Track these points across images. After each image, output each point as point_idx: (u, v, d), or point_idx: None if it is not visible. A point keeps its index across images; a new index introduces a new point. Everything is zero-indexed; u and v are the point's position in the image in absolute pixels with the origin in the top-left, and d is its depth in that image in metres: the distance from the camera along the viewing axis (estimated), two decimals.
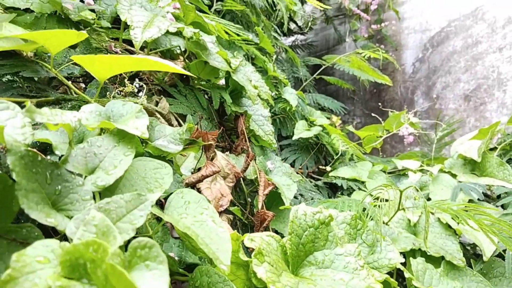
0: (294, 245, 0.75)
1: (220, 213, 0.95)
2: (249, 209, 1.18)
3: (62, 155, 0.60)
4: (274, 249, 0.73)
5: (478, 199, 1.40)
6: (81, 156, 0.58)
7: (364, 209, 1.21)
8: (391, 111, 1.82)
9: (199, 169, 0.95)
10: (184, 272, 0.70)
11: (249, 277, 0.73)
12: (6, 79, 0.82)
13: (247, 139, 1.19)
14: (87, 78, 1.03)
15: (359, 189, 1.60)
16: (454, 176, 1.57)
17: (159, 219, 0.81)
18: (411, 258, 1.11)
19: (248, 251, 0.95)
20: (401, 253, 1.19)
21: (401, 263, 1.15)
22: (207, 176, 0.85)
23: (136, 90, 1.00)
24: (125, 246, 0.48)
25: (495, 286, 1.19)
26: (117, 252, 0.42)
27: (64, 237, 0.53)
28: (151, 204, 0.52)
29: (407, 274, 1.04)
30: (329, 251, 0.76)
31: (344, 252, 0.76)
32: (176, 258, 0.74)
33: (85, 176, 0.57)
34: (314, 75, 2.44)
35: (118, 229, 0.50)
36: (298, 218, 0.77)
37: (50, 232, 0.63)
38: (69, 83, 0.80)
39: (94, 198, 0.55)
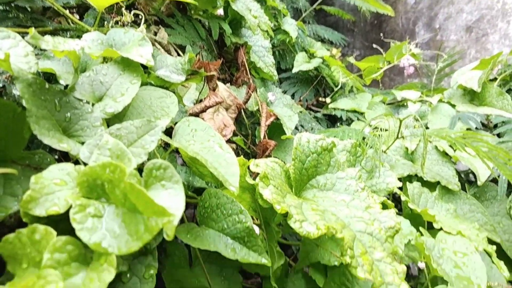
0: (297, 170, 0.77)
1: None
2: (251, 139, 1.20)
3: (66, 85, 0.60)
4: (278, 173, 0.76)
5: (476, 128, 1.43)
6: (88, 84, 0.58)
7: (363, 138, 1.23)
8: (393, 42, 1.79)
9: (201, 100, 0.95)
10: (193, 194, 0.73)
11: (254, 199, 0.76)
12: (0, 9, 0.80)
13: (248, 70, 1.18)
14: (82, 8, 1.00)
15: (358, 119, 1.61)
16: (453, 106, 1.58)
17: (165, 148, 0.83)
18: (407, 183, 1.16)
19: (252, 176, 0.98)
20: (398, 178, 1.24)
21: (398, 188, 1.20)
22: (210, 107, 0.85)
23: (133, 20, 0.98)
24: (138, 170, 0.50)
25: (487, 208, 1.25)
26: (134, 173, 0.44)
27: (76, 163, 0.54)
28: (161, 129, 0.53)
29: (403, 197, 1.09)
30: (331, 175, 0.79)
31: (345, 176, 0.79)
32: (184, 183, 0.76)
33: (93, 104, 0.58)
34: (314, 6, 2.35)
35: (132, 154, 0.52)
36: (301, 145, 0.79)
37: (61, 159, 0.65)
38: (67, 12, 0.78)
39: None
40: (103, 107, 0.57)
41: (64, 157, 0.64)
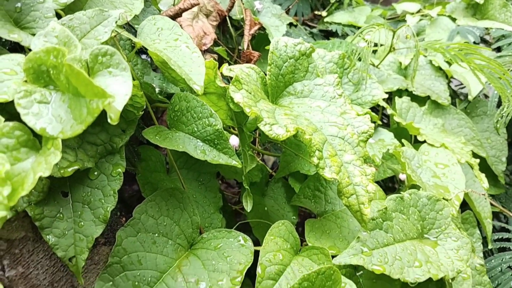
0: (273, 76, 0.75)
1: (204, 52, 0.93)
2: (237, 52, 1.16)
3: None
4: (254, 79, 0.74)
5: (474, 42, 1.37)
6: None
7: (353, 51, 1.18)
8: None
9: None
10: (164, 99, 0.72)
11: (230, 107, 0.75)
12: None
13: None
14: None
15: (359, 36, 1.54)
16: (453, 20, 1.50)
17: (139, 54, 0.80)
18: (396, 97, 1.14)
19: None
20: (387, 93, 1.21)
21: (387, 103, 1.18)
22: (185, 10, 0.81)
23: None
24: None
25: (476, 124, 1.23)
26: (77, 57, 0.42)
27: None
28: (114, 20, 0.50)
29: (389, 111, 1.07)
30: (309, 82, 0.77)
31: (323, 82, 0.77)
32: (158, 89, 0.75)
33: None
34: None
35: (84, 45, 0.50)
36: (278, 49, 0.76)
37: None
38: None
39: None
40: None
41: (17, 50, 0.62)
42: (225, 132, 0.66)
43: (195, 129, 0.65)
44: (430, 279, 0.68)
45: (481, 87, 1.19)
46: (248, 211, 0.71)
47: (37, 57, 0.43)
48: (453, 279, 0.68)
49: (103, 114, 0.54)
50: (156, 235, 0.66)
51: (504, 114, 1.03)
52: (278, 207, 0.90)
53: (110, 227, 0.65)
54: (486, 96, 1.33)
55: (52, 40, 0.45)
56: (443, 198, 0.75)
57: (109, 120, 0.39)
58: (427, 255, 0.66)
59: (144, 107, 0.60)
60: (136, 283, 0.61)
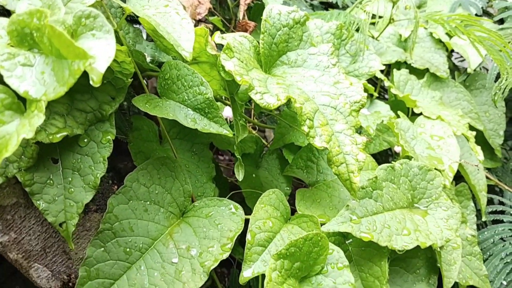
0: (266, 45, 0.74)
1: (198, 21, 0.92)
2: (234, 24, 1.15)
3: None
4: (247, 48, 0.73)
5: (476, 15, 1.34)
6: None
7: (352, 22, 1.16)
8: None
9: None
10: (156, 68, 0.71)
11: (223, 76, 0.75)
12: None
13: None
14: None
15: (357, 8, 1.51)
16: None
17: (131, 23, 0.79)
18: (394, 70, 1.12)
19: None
20: (386, 65, 1.20)
21: (386, 76, 1.16)
22: None
23: None
24: None
25: (475, 97, 1.22)
26: (60, 20, 0.41)
27: None
28: None
29: (387, 83, 1.06)
30: (303, 51, 0.76)
31: (317, 51, 0.76)
32: (150, 58, 0.75)
33: None
34: None
35: (70, 9, 0.49)
36: (271, 17, 0.74)
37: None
38: None
39: None
40: None
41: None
42: (216, 101, 0.66)
43: (186, 97, 0.65)
44: (418, 248, 0.69)
45: (480, 60, 1.17)
46: (240, 180, 0.71)
47: (20, 20, 0.42)
48: (441, 247, 0.69)
49: None
50: (148, 203, 0.66)
51: (502, 87, 1.02)
52: (272, 178, 0.90)
53: (102, 195, 0.66)
54: (486, 70, 1.31)
55: (37, 3, 0.44)
56: (435, 169, 0.76)
57: (91, 82, 0.38)
58: (416, 224, 0.67)
59: (133, 74, 0.60)
60: (128, 249, 0.63)
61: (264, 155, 0.95)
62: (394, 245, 0.62)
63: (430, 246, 0.74)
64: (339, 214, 0.64)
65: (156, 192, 0.67)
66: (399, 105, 1.09)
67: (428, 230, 0.66)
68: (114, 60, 0.57)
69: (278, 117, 0.93)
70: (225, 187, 0.94)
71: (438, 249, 0.69)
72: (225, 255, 0.63)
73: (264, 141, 1.02)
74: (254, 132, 0.97)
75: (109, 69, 0.59)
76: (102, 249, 0.60)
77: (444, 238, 0.66)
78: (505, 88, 1.01)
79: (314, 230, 0.65)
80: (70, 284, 0.62)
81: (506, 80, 1.02)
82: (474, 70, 1.23)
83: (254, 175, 0.88)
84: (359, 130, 0.98)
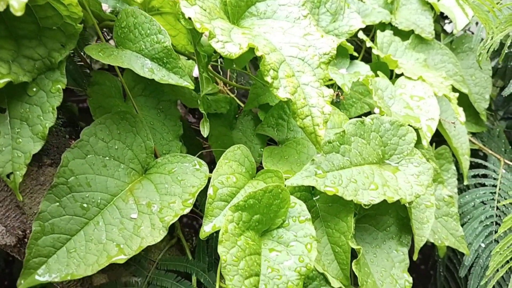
0: None
1: None
2: None
3: None
4: None
5: None
6: None
7: None
8: None
9: None
10: (113, 17, 0.68)
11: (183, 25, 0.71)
12: None
13: None
14: None
15: None
16: None
17: None
18: (378, 31, 1.08)
19: None
20: (371, 26, 1.16)
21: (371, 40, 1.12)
22: None
23: None
24: None
25: (462, 60, 1.19)
26: None
27: None
28: None
29: (368, 43, 1.02)
30: (273, 1, 0.72)
31: (288, 2, 0.72)
32: (111, 9, 0.71)
33: None
34: None
35: None
36: None
37: None
38: None
39: None
40: None
41: None
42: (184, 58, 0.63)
43: (143, 46, 0.62)
44: (388, 205, 0.67)
45: (467, 21, 1.13)
46: (205, 136, 0.69)
47: None
48: (411, 203, 0.67)
49: (41, 27, 0.51)
50: (107, 158, 0.64)
51: (487, 47, 0.99)
52: (246, 139, 0.87)
53: (58, 149, 0.63)
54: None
55: None
56: (409, 125, 0.73)
57: (11, 10, 0.35)
58: (386, 179, 0.64)
59: (82, 18, 0.56)
60: (85, 204, 0.60)
61: (239, 116, 0.93)
62: (360, 199, 0.60)
63: (404, 206, 0.72)
64: (304, 169, 0.61)
65: (116, 147, 0.65)
66: (381, 67, 1.06)
67: (398, 186, 0.64)
68: (60, 3, 0.53)
69: (253, 77, 0.90)
70: (199, 149, 0.92)
71: (407, 205, 0.67)
72: (186, 210, 0.61)
73: (241, 103, 1.00)
74: (227, 91, 0.94)
75: (57, 14, 0.56)
76: (57, 203, 0.58)
77: (413, 193, 0.64)
78: (489, 48, 0.98)
79: None
80: (26, 240, 0.60)
81: (491, 39, 0.98)
82: (463, 31, 1.19)
83: (226, 135, 0.85)
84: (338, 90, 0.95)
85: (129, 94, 0.69)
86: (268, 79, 0.60)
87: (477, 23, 1.16)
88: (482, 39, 1.10)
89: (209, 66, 0.99)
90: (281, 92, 0.60)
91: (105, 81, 0.72)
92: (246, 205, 0.55)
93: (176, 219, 0.60)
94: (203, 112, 0.68)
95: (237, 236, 0.53)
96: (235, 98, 1.01)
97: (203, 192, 0.63)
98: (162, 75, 0.61)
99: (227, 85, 1.04)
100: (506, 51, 0.98)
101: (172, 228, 0.74)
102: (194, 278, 0.68)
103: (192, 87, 0.62)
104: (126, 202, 0.63)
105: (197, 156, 0.70)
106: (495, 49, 0.99)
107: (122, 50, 0.62)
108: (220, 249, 0.51)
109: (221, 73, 1.11)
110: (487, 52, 0.98)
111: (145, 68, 0.60)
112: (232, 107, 0.91)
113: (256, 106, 0.90)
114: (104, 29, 0.78)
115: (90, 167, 0.62)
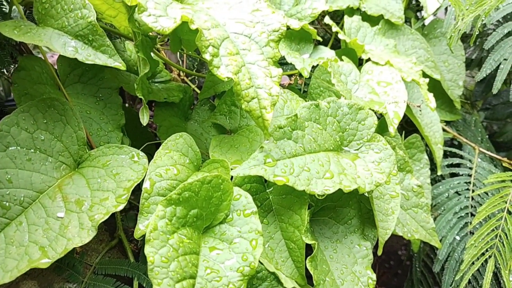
0: None
1: None
2: None
3: None
4: None
5: None
6: None
7: None
8: None
9: None
10: None
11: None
12: None
13: None
14: None
15: None
16: None
17: None
18: (345, 16, 1.03)
19: None
20: (338, 12, 1.11)
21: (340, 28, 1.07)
22: None
23: None
24: None
25: (434, 46, 1.14)
26: None
27: None
28: None
29: (334, 28, 0.97)
30: None
31: None
32: None
33: None
34: None
35: None
36: None
37: None
38: None
39: None
40: None
41: None
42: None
43: (66, 23, 0.55)
44: (349, 196, 0.62)
45: (438, 5, 1.08)
46: (144, 124, 0.62)
47: None
48: (370, 192, 0.61)
49: None
50: (32, 150, 0.57)
51: (457, 29, 0.94)
52: (202, 131, 0.81)
53: None
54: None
55: None
56: (371, 109, 0.67)
57: None
58: (343, 167, 0.58)
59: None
60: (5, 203, 0.53)
61: (195, 106, 0.86)
62: (313, 189, 0.54)
63: (368, 197, 0.66)
64: (251, 157, 0.55)
65: (42, 138, 0.58)
66: (349, 54, 1.00)
67: (356, 174, 0.58)
68: None
69: None
70: (148, 140, 0.85)
71: (367, 194, 0.61)
72: (120, 207, 0.55)
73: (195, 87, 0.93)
74: (186, 80, 0.88)
75: None
76: None
77: (373, 182, 0.58)
78: (459, 31, 0.93)
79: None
80: None
81: (462, 21, 0.93)
82: (434, 16, 1.15)
83: (178, 126, 0.78)
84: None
85: (57, 79, 0.62)
86: (207, 56, 0.53)
87: (446, 9, 1.11)
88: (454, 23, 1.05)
89: (163, 52, 0.93)
90: (222, 70, 0.53)
91: (34, 67, 0.65)
92: (181, 198, 0.48)
93: (107, 217, 0.53)
94: (141, 97, 0.61)
95: (169, 234, 0.47)
96: (196, 88, 0.95)
97: None
98: (87, 54, 0.54)
99: (186, 74, 0.97)
100: (477, 33, 0.93)
101: (112, 228, 0.67)
102: (136, 283, 0.61)
103: (123, 68, 0.56)
104: (53, 200, 0.56)
105: (145, 150, 0.63)
106: (466, 32, 0.94)
107: (43, 28, 0.55)
108: (147, 249, 0.44)
109: (180, 62, 1.05)
110: (458, 33, 0.93)
111: (68, 46, 0.53)
112: (187, 96, 0.85)
113: (213, 95, 0.84)
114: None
115: (11, 160, 0.55)
